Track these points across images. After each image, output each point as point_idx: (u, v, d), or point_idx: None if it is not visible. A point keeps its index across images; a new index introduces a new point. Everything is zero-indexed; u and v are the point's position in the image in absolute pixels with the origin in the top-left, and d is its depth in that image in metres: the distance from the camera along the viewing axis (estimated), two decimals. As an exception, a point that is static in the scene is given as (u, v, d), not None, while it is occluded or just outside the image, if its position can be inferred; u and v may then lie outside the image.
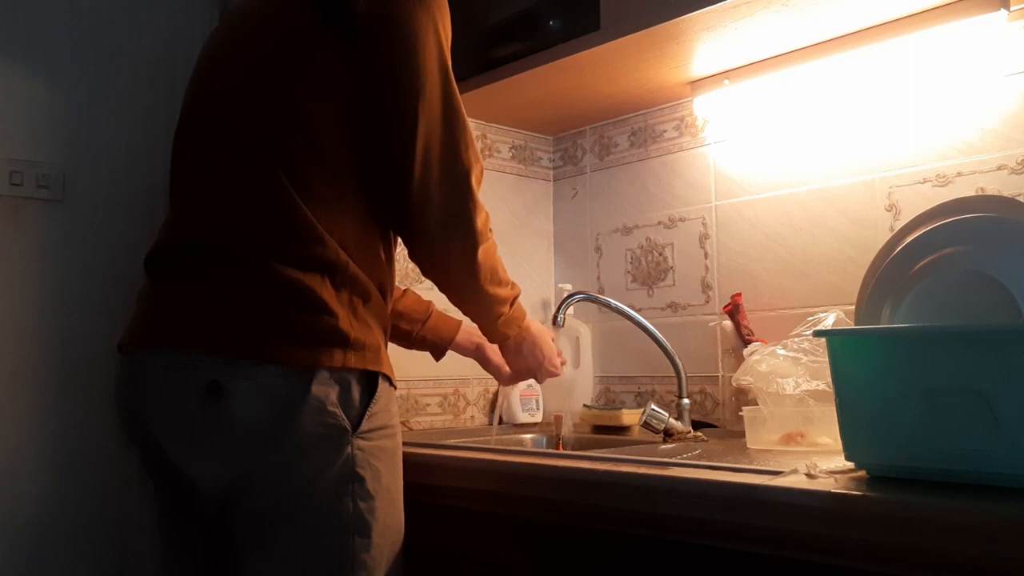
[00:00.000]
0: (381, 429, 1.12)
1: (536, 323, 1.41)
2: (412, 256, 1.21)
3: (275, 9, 1.17)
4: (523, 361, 1.38)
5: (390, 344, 1.42)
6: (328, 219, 1.10)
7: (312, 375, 1.05)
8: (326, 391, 1.06)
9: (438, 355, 1.50)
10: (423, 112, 1.11)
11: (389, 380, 1.15)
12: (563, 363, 1.46)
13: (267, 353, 1.05)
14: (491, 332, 1.32)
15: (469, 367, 1.54)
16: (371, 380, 1.11)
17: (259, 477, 1.06)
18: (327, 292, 1.08)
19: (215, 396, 1.04)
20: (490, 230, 1.21)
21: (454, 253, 1.18)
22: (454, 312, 1.37)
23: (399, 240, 1.24)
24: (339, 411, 1.07)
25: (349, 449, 1.08)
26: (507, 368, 1.44)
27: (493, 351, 1.47)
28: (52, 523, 1.51)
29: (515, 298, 1.30)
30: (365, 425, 1.09)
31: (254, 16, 1.19)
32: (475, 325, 1.35)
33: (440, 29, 1.13)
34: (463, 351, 1.50)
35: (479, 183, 1.18)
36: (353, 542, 1.07)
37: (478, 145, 1.19)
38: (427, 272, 1.23)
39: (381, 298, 1.17)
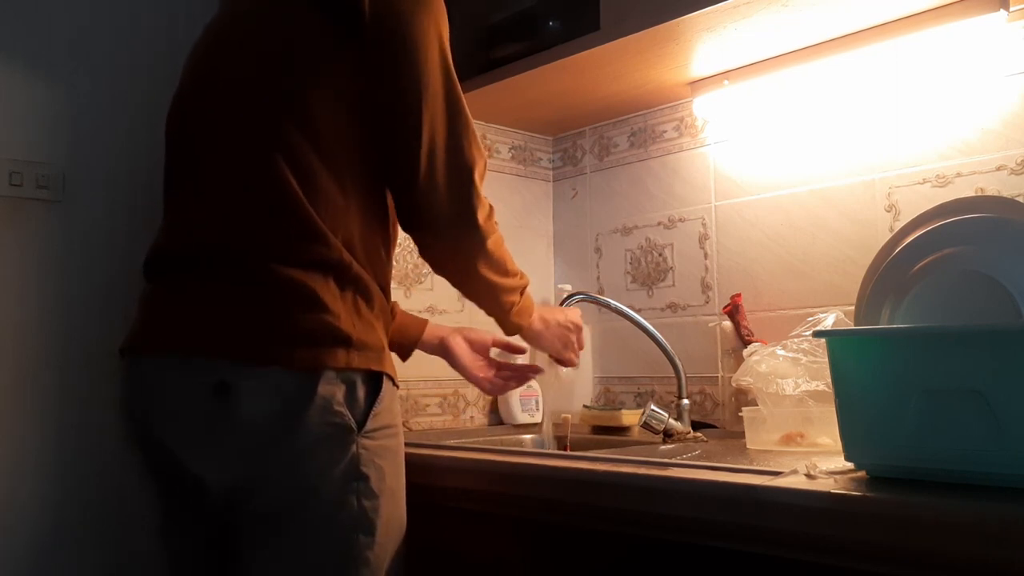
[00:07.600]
0: (385, 428, 1.13)
1: (563, 308, 1.47)
2: (422, 253, 1.24)
3: (279, 6, 1.17)
4: (548, 343, 1.42)
5: None
6: (332, 217, 1.10)
7: (318, 375, 1.05)
8: (332, 391, 1.06)
9: (404, 355, 1.45)
10: (427, 111, 1.13)
11: (392, 380, 1.15)
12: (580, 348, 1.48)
13: (271, 354, 1.05)
14: (505, 323, 1.34)
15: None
16: (375, 380, 1.12)
17: (266, 477, 1.07)
18: (329, 292, 1.08)
19: (223, 396, 1.04)
20: (495, 223, 1.23)
21: (462, 248, 1.20)
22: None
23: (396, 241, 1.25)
24: (345, 410, 1.07)
25: (354, 448, 1.08)
26: (472, 371, 1.45)
27: (460, 349, 1.45)
28: (52, 523, 1.51)
29: (524, 287, 1.32)
30: (370, 424, 1.10)
31: (257, 12, 1.18)
32: (441, 325, 1.42)
33: (442, 29, 1.16)
34: (428, 349, 1.46)
35: (482, 178, 1.20)
36: (358, 540, 1.08)
37: (478, 145, 1.20)
38: (438, 268, 1.25)
39: (384, 298, 1.18)
